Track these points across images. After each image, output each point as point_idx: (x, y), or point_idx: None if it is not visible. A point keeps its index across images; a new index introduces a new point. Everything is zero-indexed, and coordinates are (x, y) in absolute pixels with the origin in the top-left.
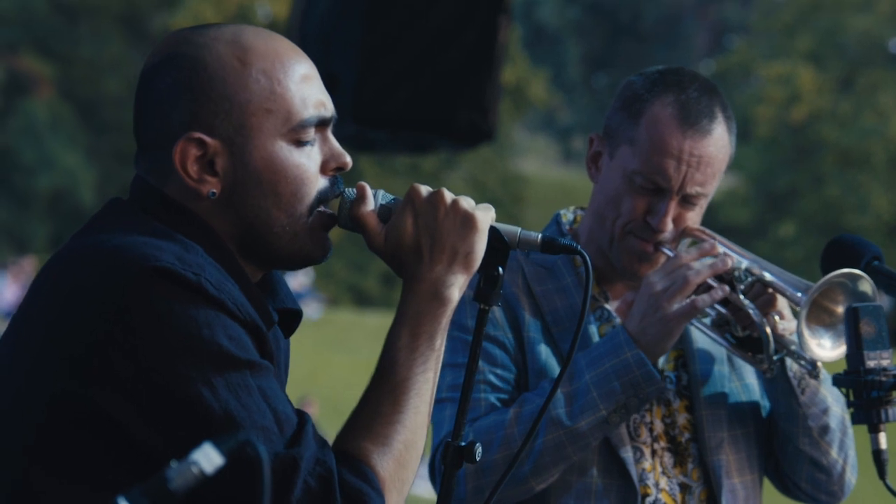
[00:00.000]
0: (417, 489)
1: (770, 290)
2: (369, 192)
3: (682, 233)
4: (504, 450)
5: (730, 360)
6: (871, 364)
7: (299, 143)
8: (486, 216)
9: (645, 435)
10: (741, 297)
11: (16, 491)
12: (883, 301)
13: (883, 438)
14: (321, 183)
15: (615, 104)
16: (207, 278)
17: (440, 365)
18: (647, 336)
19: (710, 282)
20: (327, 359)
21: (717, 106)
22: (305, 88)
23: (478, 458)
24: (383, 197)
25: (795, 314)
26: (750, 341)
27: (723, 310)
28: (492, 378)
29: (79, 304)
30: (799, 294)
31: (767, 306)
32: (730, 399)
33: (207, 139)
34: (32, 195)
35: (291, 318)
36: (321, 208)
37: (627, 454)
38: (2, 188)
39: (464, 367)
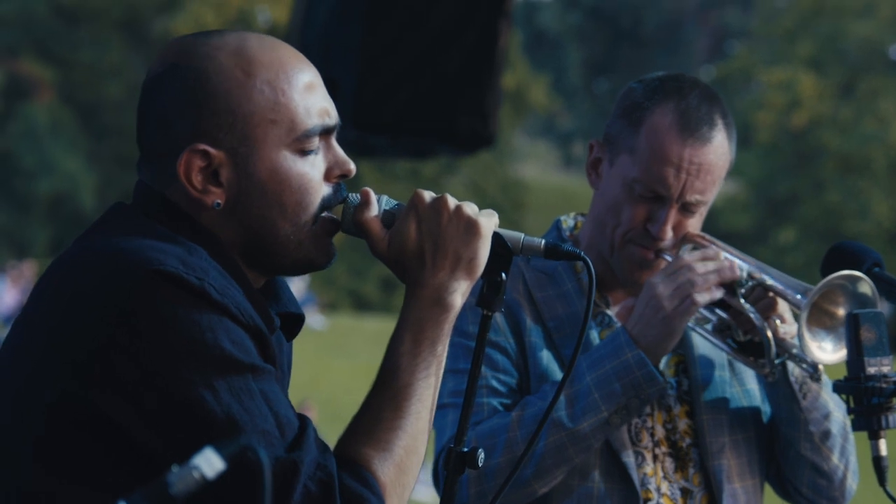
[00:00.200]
0: (419, 494)
1: (771, 294)
2: (373, 197)
3: (682, 239)
4: (507, 454)
5: (731, 365)
6: (871, 370)
7: (303, 153)
8: (489, 222)
9: (646, 440)
10: (742, 301)
11: (17, 492)
12: (883, 307)
13: (883, 445)
14: (325, 190)
15: (615, 111)
16: (211, 283)
17: (442, 371)
18: (648, 337)
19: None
20: (326, 364)
21: (717, 113)
22: (309, 97)
23: (480, 464)
24: (387, 202)
25: (796, 317)
26: (751, 346)
27: (724, 314)
28: (494, 383)
29: (81, 307)
30: (799, 297)
31: (768, 310)
32: (731, 404)
33: (212, 150)
34: (33, 199)
35: (294, 322)
36: (325, 214)
37: (629, 458)
38: (2, 192)
39: (465, 373)
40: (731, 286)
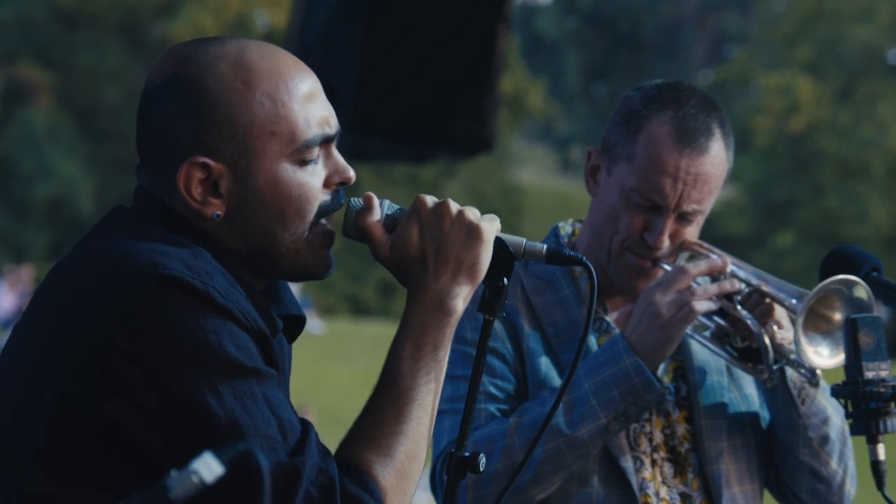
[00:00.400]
0: (416, 499)
1: (767, 300)
2: (376, 201)
3: (679, 247)
4: (505, 459)
5: (729, 370)
6: (869, 375)
7: (303, 163)
8: (491, 227)
9: (644, 445)
10: (739, 308)
11: (17, 493)
12: (881, 311)
13: (881, 449)
14: (323, 197)
15: (613, 119)
16: (215, 287)
17: (443, 376)
18: (647, 344)
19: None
20: (325, 369)
21: (715, 122)
22: (309, 107)
23: (481, 469)
24: (389, 207)
25: (793, 323)
26: (749, 352)
27: (721, 321)
28: (491, 389)
29: (82, 310)
30: (795, 302)
31: (765, 316)
32: (729, 409)
33: (211, 163)
34: (31, 203)
35: (295, 325)
36: (322, 221)
37: (627, 463)
38: (0, 196)
39: (462, 379)
40: (728, 293)
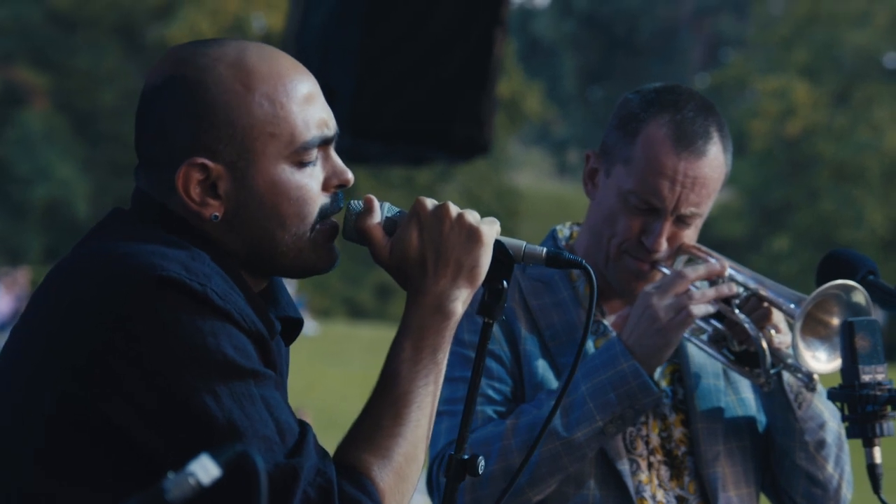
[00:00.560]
0: (412, 501)
1: (765, 305)
2: (377, 204)
3: (677, 250)
4: (501, 461)
5: (725, 374)
6: (866, 378)
7: (302, 165)
8: (491, 230)
9: (641, 448)
10: (737, 311)
11: (18, 493)
12: (878, 315)
13: (877, 453)
14: (323, 200)
15: (612, 122)
16: (213, 289)
17: (442, 378)
18: (644, 347)
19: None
20: (321, 371)
21: (713, 126)
22: (308, 109)
23: (480, 472)
24: (389, 209)
25: (791, 327)
26: (747, 356)
27: (719, 325)
28: (488, 391)
29: (80, 312)
30: (793, 306)
31: (763, 320)
32: (726, 413)
33: (210, 164)
34: (27, 206)
35: (292, 327)
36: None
37: (624, 466)
38: None
39: (460, 381)
40: (725, 297)
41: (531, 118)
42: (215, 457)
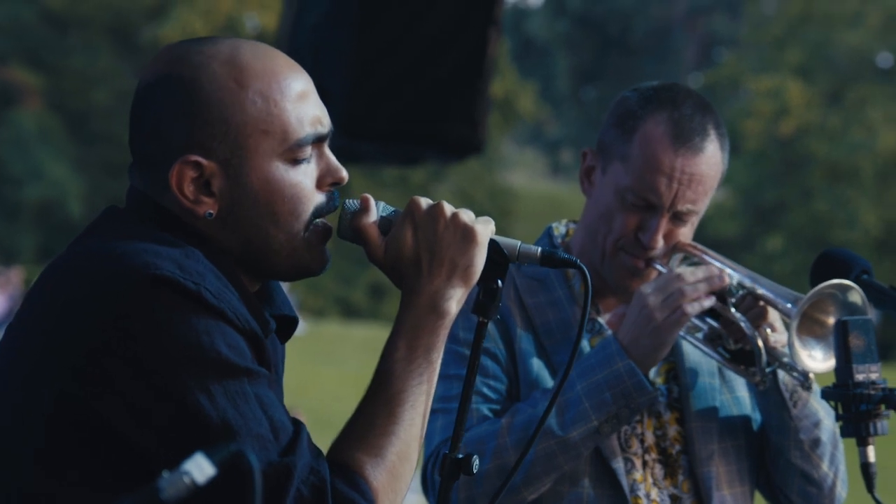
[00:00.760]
0: (406, 500)
1: (761, 303)
2: (373, 203)
3: (673, 248)
4: (496, 460)
5: (721, 372)
6: (860, 377)
7: (295, 162)
8: (485, 229)
9: (636, 446)
10: (732, 310)
11: (17, 493)
12: (872, 314)
13: (871, 451)
14: (317, 198)
15: (609, 120)
16: (207, 287)
17: (436, 378)
18: (639, 346)
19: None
20: (315, 371)
21: (711, 123)
22: (302, 107)
23: (475, 470)
24: (384, 209)
25: (787, 326)
26: (742, 354)
27: (715, 324)
28: (483, 389)
29: (76, 312)
30: (789, 305)
31: (759, 319)
32: (721, 412)
33: (204, 161)
34: (20, 206)
35: (287, 325)
36: (318, 220)
37: (618, 465)
38: None
39: (455, 379)
40: (721, 296)
41: (525, 118)
42: (210, 455)
